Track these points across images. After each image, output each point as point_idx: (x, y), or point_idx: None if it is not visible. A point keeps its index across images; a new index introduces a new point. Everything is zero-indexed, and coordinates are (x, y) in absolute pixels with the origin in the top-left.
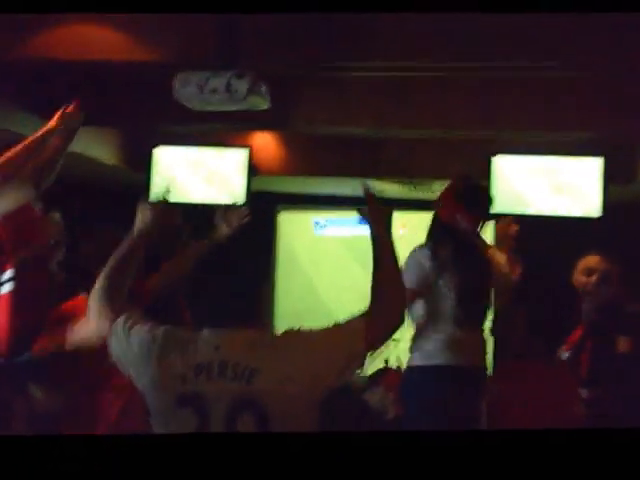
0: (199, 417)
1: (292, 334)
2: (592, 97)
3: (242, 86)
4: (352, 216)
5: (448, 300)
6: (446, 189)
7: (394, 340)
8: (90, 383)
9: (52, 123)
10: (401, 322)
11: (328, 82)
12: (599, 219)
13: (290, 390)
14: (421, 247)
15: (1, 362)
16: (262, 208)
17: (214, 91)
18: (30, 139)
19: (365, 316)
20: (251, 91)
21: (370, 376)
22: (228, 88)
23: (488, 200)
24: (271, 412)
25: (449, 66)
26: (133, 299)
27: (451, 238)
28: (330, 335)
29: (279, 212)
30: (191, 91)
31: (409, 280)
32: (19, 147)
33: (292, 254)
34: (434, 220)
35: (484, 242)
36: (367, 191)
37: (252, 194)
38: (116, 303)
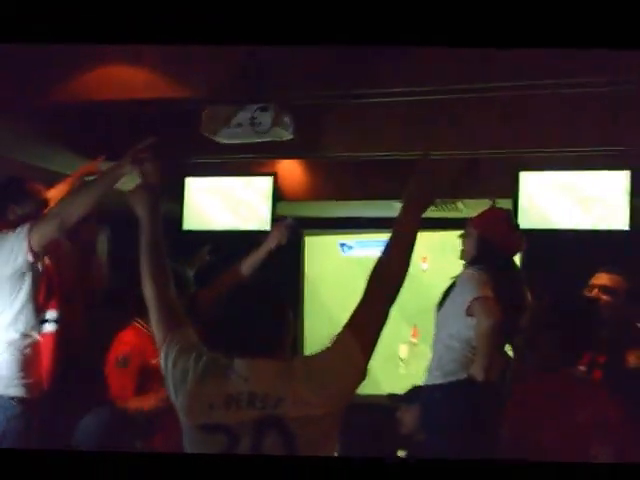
0: (227, 441)
1: (302, 361)
2: (616, 110)
3: (266, 119)
4: (377, 238)
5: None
6: (494, 213)
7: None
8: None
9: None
10: (386, 318)
11: (348, 109)
12: (626, 233)
13: (311, 414)
14: (474, 268)
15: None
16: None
17: (239, 125)
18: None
19: (349, 326)
20: (275, 123)
21: (404, 394)
22: (253, 121)
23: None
24: (295, 433)
25: (468, 87)
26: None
27: (499, 261)
28: (327, 356)
29: (305, 236)
30: (217, 126)
31: (463, 300)
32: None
33: (319, 277)
34: (483, 243)
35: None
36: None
37: (277, 219)
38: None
